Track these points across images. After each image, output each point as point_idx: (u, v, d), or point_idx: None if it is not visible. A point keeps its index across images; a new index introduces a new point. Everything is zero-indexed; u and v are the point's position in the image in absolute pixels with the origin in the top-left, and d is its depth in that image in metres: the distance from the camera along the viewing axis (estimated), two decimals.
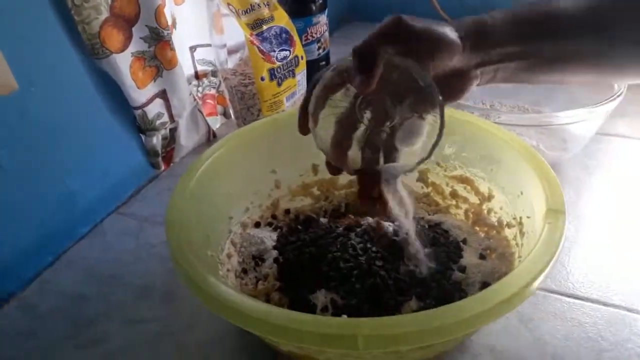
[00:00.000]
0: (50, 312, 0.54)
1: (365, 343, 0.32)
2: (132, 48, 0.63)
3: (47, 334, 0.52)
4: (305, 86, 0.81)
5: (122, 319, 0.52)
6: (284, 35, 0.75)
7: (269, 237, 0.55)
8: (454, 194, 0.58)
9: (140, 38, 0.64)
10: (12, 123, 0.54)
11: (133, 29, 0.63)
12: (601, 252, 0.57)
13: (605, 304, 0.51)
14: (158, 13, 0.64)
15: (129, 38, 0.63)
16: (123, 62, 0.62)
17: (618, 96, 0.61)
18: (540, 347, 0.47)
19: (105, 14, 0.58)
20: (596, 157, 0.71)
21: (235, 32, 0.72)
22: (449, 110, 0.57)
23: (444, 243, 0.52)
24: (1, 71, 0.51)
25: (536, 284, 0.35)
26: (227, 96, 0.80)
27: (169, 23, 0.68)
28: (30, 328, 0.52)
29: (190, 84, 0.78)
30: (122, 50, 0.62)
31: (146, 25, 0.64)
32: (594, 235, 0.59)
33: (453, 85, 0.42)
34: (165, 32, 0.66)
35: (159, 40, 0.66)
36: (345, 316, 0.43)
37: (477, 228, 0.55)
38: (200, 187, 0.48)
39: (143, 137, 0.71)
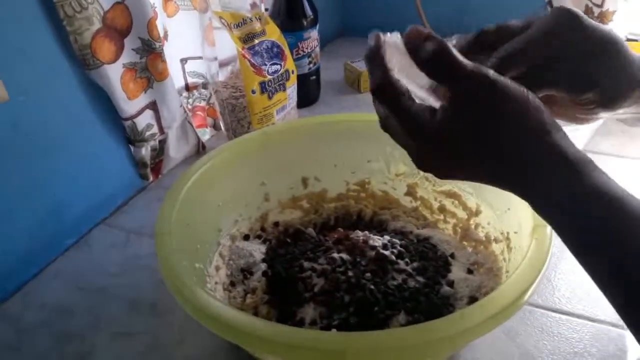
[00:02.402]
0: (35, 324, 0.53)
1: (353, 358, 0.32)
2: (124, 59, 0.63)
3: (32, 347, 0.51)
4: (295, 100, 0.81)
5: (110, 332, 0.52)
6: (275, 49, 0.75)
7: (257, 250, 0.55)
8: (442, 209, 0.59)
9: (132, 49, 0.64)
10: (1, 133, 0.54)
11: (125, 40, 0.63)
12: None
13: (591, 320, 0.51)
14: (150, 25, 0.64)
15: (120, 49, 0.63)
16: (114, 73, 0.62)
17: None
18: None
19: (97, 25, 0.58)
20: None
21: (227, 45, 0.73)
22: None
23: (432, 257, 0.52)
24: None
25: (524, 299, 0.36)
26: (217, 108, 0.81)
27: (161, 35, 0.68)
28: (13, 341, 0.51)
29: (180, 95, 0.78)
30: (114, 61, 0.62)
31: (138, 37, 0.64)
32: None
33: None
34: (157, 44, 0.66)
35: (150, 52, 0.66)
36: (334, 330, 0.43)
37: (465, 243, 0.56)
38: (190, 199, 0.48)
39: (132, 148, 0.70)
